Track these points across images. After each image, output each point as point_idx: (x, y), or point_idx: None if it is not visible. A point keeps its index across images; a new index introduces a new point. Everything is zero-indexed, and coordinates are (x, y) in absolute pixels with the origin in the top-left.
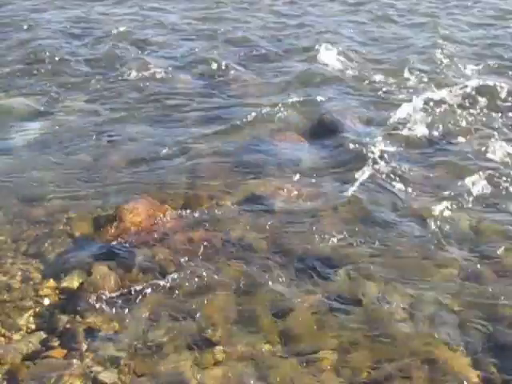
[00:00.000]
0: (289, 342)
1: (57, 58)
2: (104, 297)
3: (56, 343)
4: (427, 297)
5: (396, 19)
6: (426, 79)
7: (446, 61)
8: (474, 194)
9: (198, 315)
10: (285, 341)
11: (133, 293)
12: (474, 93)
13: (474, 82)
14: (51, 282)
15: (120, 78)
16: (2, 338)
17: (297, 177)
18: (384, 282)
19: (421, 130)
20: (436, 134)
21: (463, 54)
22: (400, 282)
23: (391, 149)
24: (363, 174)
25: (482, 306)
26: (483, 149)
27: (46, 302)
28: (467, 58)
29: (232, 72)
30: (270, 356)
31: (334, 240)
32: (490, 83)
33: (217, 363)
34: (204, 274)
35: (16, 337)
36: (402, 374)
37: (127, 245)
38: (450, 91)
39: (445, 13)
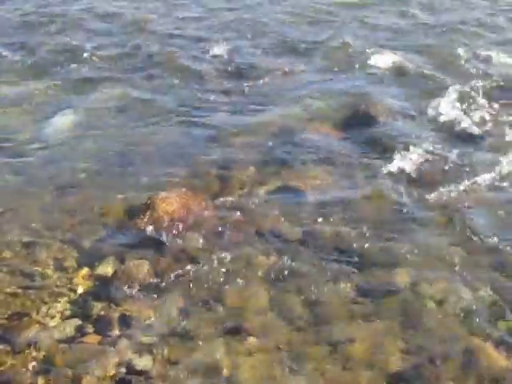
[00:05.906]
0: (320, 331)
1: (88, 46)
2: (137, 285)
3: (91, 330)
4: (458, 286)
5: (436, 7)
6: (466, 71)
7: (489, 52)
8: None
9: (230, 304)
10: (316, 330)
11: (165, 281)
12: None
13: None
14: (85, 270)
15: (152, 69)
16: (38, 325)
17: (329, 168)
18: (415, 271)
19: (459, 123)
20: (475, 127)
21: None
22: (431, 272)
23: (426, 141)
24: (396, 166)
25: None
26: None
27: (80, 289)
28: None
29: (263, 62)
30: (302, 345)
31: (365, 230)
32: None
33: (249, 352)
34: (236, 262)
35: (51, 323)
36: (432, 364)
37: (160, 233)
38: (493, 84)
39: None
